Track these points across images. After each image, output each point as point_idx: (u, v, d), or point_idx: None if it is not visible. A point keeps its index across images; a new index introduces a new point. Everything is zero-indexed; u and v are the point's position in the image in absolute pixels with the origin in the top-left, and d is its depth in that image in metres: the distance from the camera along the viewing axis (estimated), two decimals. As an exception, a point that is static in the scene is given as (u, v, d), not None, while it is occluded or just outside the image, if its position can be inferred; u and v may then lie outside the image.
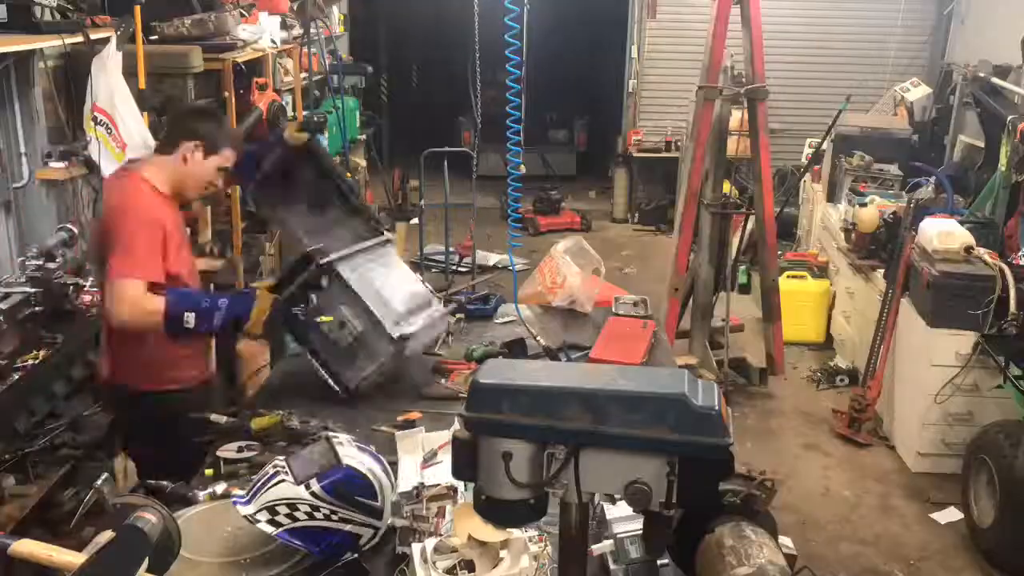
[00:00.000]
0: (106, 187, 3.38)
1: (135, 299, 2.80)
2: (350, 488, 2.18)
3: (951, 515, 4.58)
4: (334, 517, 2.15)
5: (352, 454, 2.25)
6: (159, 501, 1.95)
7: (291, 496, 2.15)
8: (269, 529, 2.13)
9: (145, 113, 4.19)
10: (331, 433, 2.44)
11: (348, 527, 2.17)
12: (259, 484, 2.21)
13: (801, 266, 6.93)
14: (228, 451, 2.72)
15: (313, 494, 2.14)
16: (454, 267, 7.29)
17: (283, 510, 2.14)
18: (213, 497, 2.45)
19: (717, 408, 1.55)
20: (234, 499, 2.23)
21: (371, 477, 2.22)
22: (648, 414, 1.55)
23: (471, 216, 5.92)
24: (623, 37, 10.39)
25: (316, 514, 2.14)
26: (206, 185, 3.15)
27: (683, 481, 1.56)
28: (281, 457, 2.30)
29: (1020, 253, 5.07)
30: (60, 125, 4.22)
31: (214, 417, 2.90)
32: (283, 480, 2.18)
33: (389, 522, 2.28)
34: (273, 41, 5.80)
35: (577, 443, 1.58)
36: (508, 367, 1.73)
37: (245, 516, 2.15)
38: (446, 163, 5.88)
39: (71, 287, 3.66)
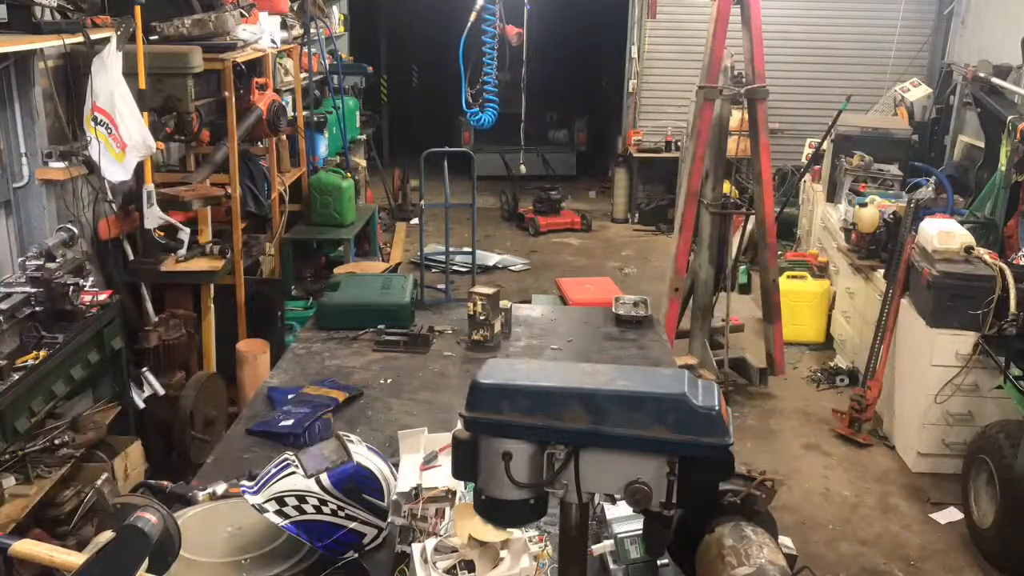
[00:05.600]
0: None
1: None
2: (359, 485, 2.18)
3: (951, 515, 4.58)
4: (341, 513, 2.16)
5: (363, 452, 2.26)
6: (159, 501, 1.95)
7: (301, 488, 2.15)
8: (276, 520, 2.13)
9: (145, 113, 4.20)
10: (342, 433, 2.44)
11: (353, 524, 2.17)
12: (269, 475, 2.21)
13: (801, 266, 6.92)
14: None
15: (323, 488, 2.14)
16: (454, 267, 7.29)
17: (292, 502, 2.14)
18: (213, 497, 2.45)
19: (717, 408, 1.55)
20: (243, 487, 2.23)
21: (380, 477, 2.23)
22: (648, 414, 1.55)
23: (471, 216, 5.93)
24: (623, 37, 10.39)
25: (324, 508, 2.14)
26: None
27: (683, 481, 1.56)
28: (292, 451, 2.31)
29: (1020, 253, 5.07)
30: (60, 125, 4.22)
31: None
32: (294, 472, 2.18)
33: (389, 521, 2.28)
34: (273, 41, 5.80)
35: (577, 443, 1.58)
36: (508, 367, 1.73)
37: (253, 505, 2.15)
38: (446, 163, 5.87)
39: (71, 287, 3.67)
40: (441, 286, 6.54)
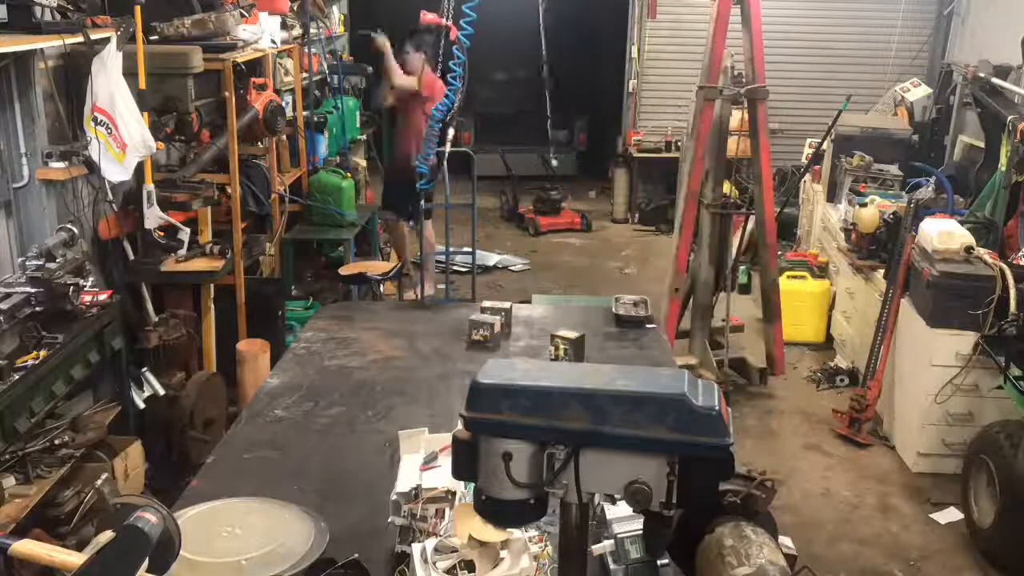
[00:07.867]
0: None
1: None
2: None
3: (951, 515, 4.58)
4: None
5: None
6: (159, 501, 1.95)
7: None
8: None
9: (145, 113, 4.20)
10: None
11: None
12: None
13: (801, 266, 6.92)
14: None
15: None
16: (454, 267, 7.29)
17: None
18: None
19: (717, 408, 1.55)
20: None
21: None
22: (648, 414, 1.55)
23: (471, 216, 5.93)
24: (623, 37, 10.39)
25: None
26: None
27: (683, 481, 1.56)
28: None
29: (1020, 253, 5.07)
30: (60, 125, 4.22)
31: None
32: None
33: (389, 520, 2.28)
34: (273, 41, 5.80)
35: (577, 443, 1.58)
36: (508, 367, 1.73)
37: None
38: (446, 163, 5.87)
39: (71, 287, 3.67)
40: (441, 286, 6.54)
